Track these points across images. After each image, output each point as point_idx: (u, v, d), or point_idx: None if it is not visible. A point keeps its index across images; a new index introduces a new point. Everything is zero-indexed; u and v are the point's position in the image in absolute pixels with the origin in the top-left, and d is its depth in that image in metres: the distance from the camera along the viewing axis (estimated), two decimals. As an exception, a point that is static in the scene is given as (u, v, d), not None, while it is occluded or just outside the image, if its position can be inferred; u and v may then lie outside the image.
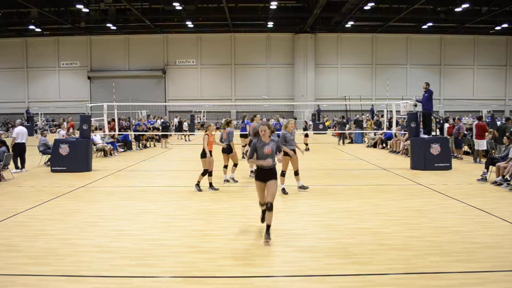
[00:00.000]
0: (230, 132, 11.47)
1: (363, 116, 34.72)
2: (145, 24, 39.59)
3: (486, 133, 15.76)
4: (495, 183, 10.96)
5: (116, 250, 5.90)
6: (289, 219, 7.69)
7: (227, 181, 11.51)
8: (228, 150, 11.32)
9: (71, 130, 19.18)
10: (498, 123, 30.49)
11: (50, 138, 15.85)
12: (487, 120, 28.74)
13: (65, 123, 20.60)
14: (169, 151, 20.97)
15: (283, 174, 9.75)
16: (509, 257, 5.57)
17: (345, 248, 5.97)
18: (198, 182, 10.41)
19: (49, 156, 14.69)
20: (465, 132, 17.64)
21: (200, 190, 10.23)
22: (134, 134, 21.80)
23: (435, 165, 13.59)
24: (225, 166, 11.55)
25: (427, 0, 32.62)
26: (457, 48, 44.88)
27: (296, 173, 10.10)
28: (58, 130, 17.25)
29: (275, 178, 6.45)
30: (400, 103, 17.40)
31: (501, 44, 45.09)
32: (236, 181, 11.62)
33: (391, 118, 20.46)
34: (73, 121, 22.77)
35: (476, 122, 16.14)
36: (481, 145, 15.36)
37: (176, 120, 30.41)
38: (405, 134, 17.47)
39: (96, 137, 18.00)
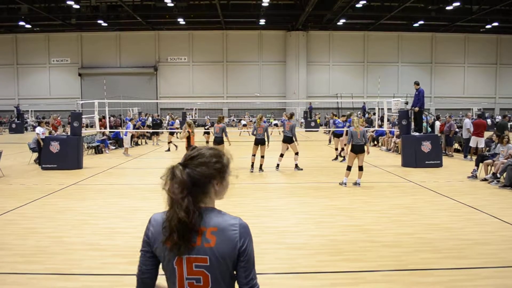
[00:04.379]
0: (223, 127, 13.15)
1: (353, 114, 34.78)
2: (136, 20, 39.31)
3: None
4: (485, 180, 11.08)
5: (107, 248, 5.88)
6: (281, 216, 7.70)
7: None
8: (219, 143, 13.08)
9: (59, 128, 19.06)
10: (489, 120, 30.85)
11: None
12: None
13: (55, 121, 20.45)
14: (160, 149, 20.90)
15: (348, 168, 10.57)
16: (499, 254, 5.63)
17: (336, 245, 5.99)
18: None
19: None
20: (456, 130, 17.78)
21: None
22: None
23: (426, 162, 13.68)
24: None
25: (418, -2, 32.82)
26: (448, 46, 45.08)
27: (360, 169, 10.58)
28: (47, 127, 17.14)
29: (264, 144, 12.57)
30: (392, 101, 17.48)
31: (492, 43, 45.36)
32: None
33: (382, 115, 20.56)
34: (59, 118, 22.55)
35: (472, 119, 16.24)
36: (480, 142, 15.34)
37: (167, 118, 30.27)
38: (396, 132, 17.57)
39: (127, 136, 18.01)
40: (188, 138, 10.83)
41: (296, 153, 13.27)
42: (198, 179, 1.82)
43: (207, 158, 1.86)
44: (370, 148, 11.19)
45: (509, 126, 24.49)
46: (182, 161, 1.86)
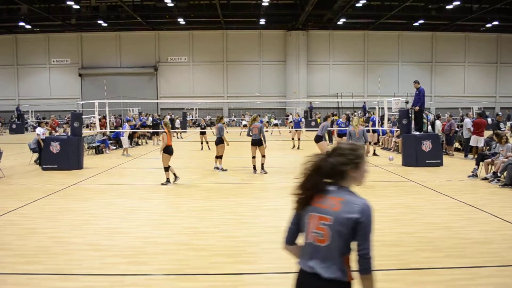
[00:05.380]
0: (220, 127, 13.20)
1: (355, 113, 34.78)
2: (136, 21, 39.30)
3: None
4: (485, 179, 11.07)
5: (108, 248, 5.88)
6: (281, 215, 7.68)
7: (217, 168, 13.20)
8: (218, 143, 13.06)
9: (57, 128, 19.08)
10: (489, 119, 30.80)
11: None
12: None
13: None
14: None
15: None
16: (500, 253, 5.63)
17: (337, 245, 5.98)
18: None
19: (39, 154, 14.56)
20: (456, 129, 17.76)
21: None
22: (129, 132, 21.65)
23: (427, 161, 13.67)
24: (217, 157, 13.26)
25: (418, -2, 32.80)
26: (448, 45, 45.04)
27: None
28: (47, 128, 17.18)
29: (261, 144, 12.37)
30: (392, 100, 17.46)
31: (492, 42, 45.32)
32: (225, 170, 13.02)
33: (383, 115, 20.54)
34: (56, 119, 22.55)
35: (473, 118, 16.23)
36: (480, 141, 15.35)
37: (167, 117, 30.23)
38: (396, 131, 17.55)
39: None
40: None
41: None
42: (336, 166, 2.40)
43: (344, 150, 2.44)
44: (370, 148, 11.21)
45: (508, 125, 24.45)
46: (327, 153, 2.47)
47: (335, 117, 21.77)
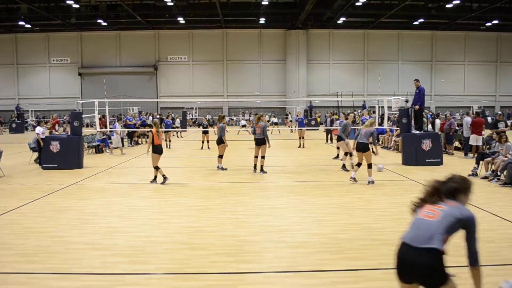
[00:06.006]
0: (221, 127, 13.22)
1: (354, 112, 34.73)
2: (136, 20, 39.30)
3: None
4: (485, 178, 11.08)
5: (108, 247, 5.88)
6: (281, 215, 7.70)
7: (218, 167, 13.24)
8: (219, 142, 13.16)
9: (57, 127, 19.02)
10: (489, 118, 30.83)
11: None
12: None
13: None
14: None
15: (358, 164, 10.90)
16: (499, 251, 5.63)
17: (337, 244, 5.99)
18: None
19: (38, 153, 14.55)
20: (456, 128, 17.75)
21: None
22: (127, 131, 21.64)
23: (427, 160, 13.68)
24: (220, 156, 13.31)
25: (418, -4, 32.77)
26: (448, 44, 45.03)
27: (369, 166, 10.75)
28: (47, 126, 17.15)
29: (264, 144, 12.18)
30: (392, 99, 17.44)
31: (492, 41, 45.32)
32: (225, 169, 13.09)
33: (383, 114, 20.53)
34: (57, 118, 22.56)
35: (472, 117, 16.25)
36: (478, 140, 15.38)
37: (171, 117, 30.15)
38: (396, 130, 17.55)
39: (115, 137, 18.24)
40: (152, 138, 10.72)
41: (346, 153, 13.14)
42: (451, 191, 3.21)
43: (457, 180, 3.28)
44: (375, 148, 11.30)
45: (509, 123, 24.43)
46: (444, 180, 3.29)
47: (335, 116, 21.77)
